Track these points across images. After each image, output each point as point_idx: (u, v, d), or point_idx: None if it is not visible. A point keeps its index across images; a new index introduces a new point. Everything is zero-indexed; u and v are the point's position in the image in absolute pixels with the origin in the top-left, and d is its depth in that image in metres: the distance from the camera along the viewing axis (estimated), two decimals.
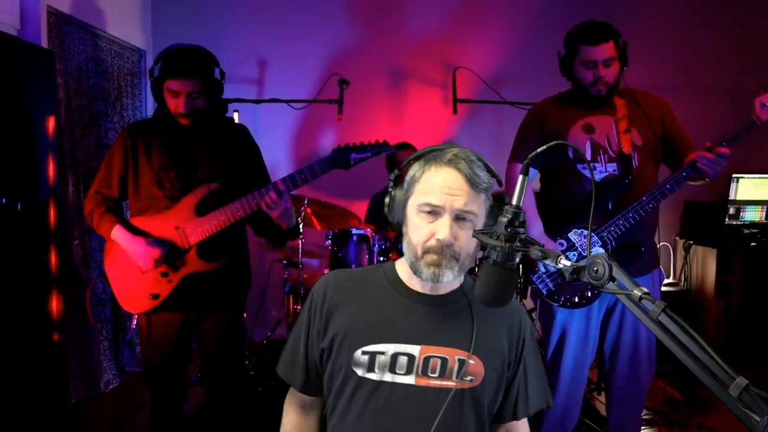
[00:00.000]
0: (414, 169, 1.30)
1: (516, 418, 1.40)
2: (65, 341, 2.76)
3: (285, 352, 1.43)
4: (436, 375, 1.27)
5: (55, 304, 2.64)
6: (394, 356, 1.27)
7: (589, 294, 2.25)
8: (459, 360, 1.28)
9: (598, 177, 2.30)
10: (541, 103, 2.44)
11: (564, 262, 0.92)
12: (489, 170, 1.27)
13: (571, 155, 2.31)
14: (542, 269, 2.30)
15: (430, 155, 1.28)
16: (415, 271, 1.28)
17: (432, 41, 4.25)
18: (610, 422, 2.48)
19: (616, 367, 2.40)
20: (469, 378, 1.29)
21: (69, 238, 3.13)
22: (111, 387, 3.39)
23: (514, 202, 0.99)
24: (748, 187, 4.06)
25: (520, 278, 3.15)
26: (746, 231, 4.05)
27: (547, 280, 2.30)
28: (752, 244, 4.01)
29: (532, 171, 2.38)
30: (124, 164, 2.24)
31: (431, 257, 1.25)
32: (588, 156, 2.31)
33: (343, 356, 1.29)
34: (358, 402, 1.28)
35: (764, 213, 4.10)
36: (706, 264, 4.11)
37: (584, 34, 2.25)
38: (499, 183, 1.30)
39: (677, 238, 4.37)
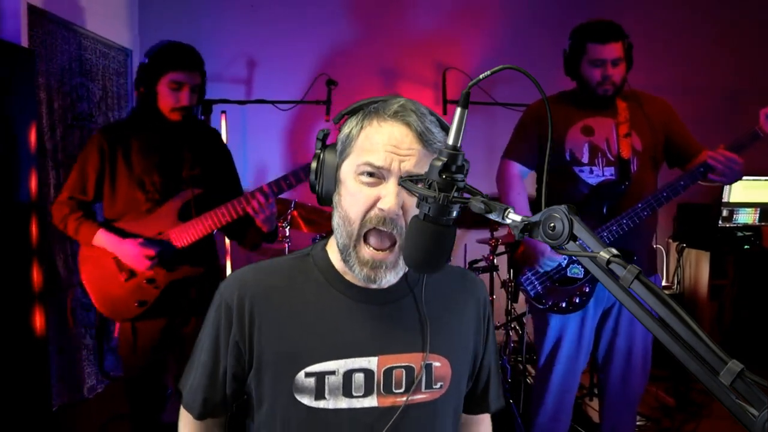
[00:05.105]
0: (350, 126, 1.05)
1: (487, 410, 1.21)
2: (48, 355, 2.70)
3: (194, 376, 1.14)
4: (401, 390, 1.04)
5: (38, 320, 2.57)
6: (348, 375, 1.02)
7: (577, 300, 2.21)
8: (425, 366, 1.05)
9: (594, 181, 2.25)
10: (540, 101, 2.36)
11: (512, 217, 0.76)
12: (443, 127, 1.03)
13: (567, 157, 2.27)
14: (530, 271, 2.25)
15: (371, 107, 1.04)
16: (347, 261, 1.01)
17: (422, 41, 4.20)
18: (603, 429, 2.43)
19: (609, 374, 2.35)
20: (438, 385, 1.07)
21: (50, 242, 3.06)
22: (95, 393, 3.33)
23: (451, 141, 0.81)
24: (741, 190, 4.02)
25: (510, 282, 3.11)
26: (739, 234, 4.02)
27: (536, 283, 2.25)
28: (745, 246, 3.98)
29: (526, 171, 2.34)
30: (100, 168, 2.18)
31: (367, 252, 0.99)
32: (585, 159, 2.25)
33: (280, 381, 1.01)
34: None
35: (757, 215, 4.06)
36: (699, 267, 4.08)
37: (593, 33, 2.19)
38: None
39: (670, 240, 4.33)
